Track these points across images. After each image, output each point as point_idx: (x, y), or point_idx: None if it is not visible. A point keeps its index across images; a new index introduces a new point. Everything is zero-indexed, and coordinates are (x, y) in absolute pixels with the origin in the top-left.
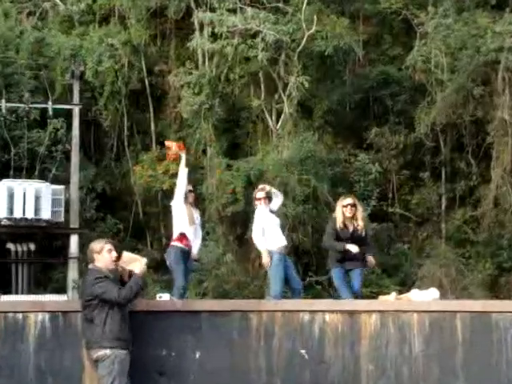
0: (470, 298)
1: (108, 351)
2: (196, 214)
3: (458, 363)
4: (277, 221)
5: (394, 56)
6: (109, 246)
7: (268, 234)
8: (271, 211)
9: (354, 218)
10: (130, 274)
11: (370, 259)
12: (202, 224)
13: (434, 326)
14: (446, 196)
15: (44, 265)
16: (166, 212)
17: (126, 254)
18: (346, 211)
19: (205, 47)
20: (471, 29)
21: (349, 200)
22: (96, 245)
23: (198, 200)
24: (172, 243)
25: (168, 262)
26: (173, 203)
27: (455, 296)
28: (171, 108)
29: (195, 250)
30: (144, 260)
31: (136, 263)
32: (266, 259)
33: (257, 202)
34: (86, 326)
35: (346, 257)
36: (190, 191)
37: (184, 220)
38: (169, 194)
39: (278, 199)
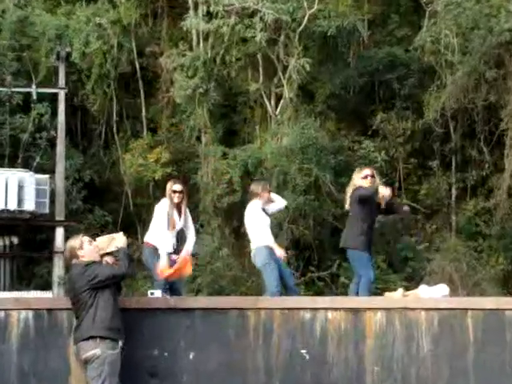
0: (481, 294)
1: (98, 351)
2: (181, 217)
3: (469, 363)
4: (268, 221)
5: (401, 37)
6: (87, 238)
7: (266, 229)
8: (264, 211)
9: None
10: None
11: (406, 208)
12: (193, 218)
13: (443, 325)
14: (457, 186)
15: (27, 259)
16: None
17: (101, 239)
18: (366, 182)
19: (199, 27)
20: (484, 7)
21: (367, 171)
22: (74, 241)
23: (185, 201)
24: (144, 243)
25: (144, 259)
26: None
27: (466, 292)
28: (163, 92)
29: (189, 246)
30: (120, 233)
31: (115, 240)
32: (279, 252)
33: (258, 197)
34: (75, 322)
35: (370, 243)
36: (174, 192)
37: (162, 226)
38: (160, 183)
39: (277, 204)
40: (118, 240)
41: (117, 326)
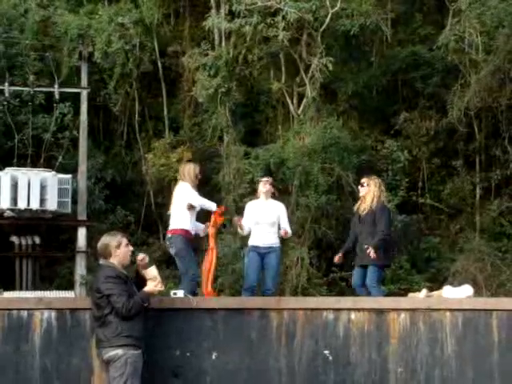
0: (506, 295)
1: (120, 351)
2: None
3: (494, 365)
4: (256, 218)
5: (424, 35)
6: (126, 241)
7: (253, 228)
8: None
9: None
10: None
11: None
12: None
13: (467, 326)
14: (481, 186)
15: (49, 259)
16: None
17: (154, 270)
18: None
19: (221, 26)
20: (508, 6)
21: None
22: (113, 239)
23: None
24: None
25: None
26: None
27: (491, 293)
28: (185, 92)
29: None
30: (161, 287)
31: (153, 282)
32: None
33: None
34: (96, 324)
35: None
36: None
37: None
38: None
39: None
40: (151, 285)
41: (138, 335)
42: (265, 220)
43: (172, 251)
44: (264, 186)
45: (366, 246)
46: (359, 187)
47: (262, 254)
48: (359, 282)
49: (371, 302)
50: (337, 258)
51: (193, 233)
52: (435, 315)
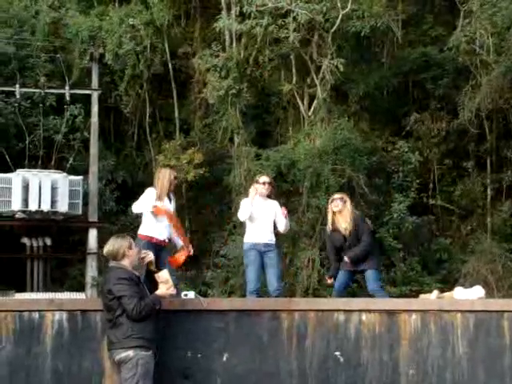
0: None
1: (131, 352)
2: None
3: (506, 367)
4: (256, 213)
5: (435, 36)
6: (133, 241)
7: (251, 225)
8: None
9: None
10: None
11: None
12: (226, 219)
13: (479, 327)
14: (492, 187)
15: (60, 261)
16: (191, 205)
17: (166, 273)
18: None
19: (232, 28)
20: None
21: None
22: (124, 240)
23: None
24: None
25: None
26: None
27: (502, 295)
28: (196, 93)
29: None
30: (172, 290)
31: (165, 285)
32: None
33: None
34: (107, 326)
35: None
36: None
37: None
38: (194, 184)
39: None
40: (163, 288)
41: (149, 337)
42: (263, 217)
43: None
44: (264, 187)
45: (346, 258)
46: (338, 201)
47: (262, 252)
48: (341, 284)
49: (382, 303)
50: (330, 281)
51: (160, 238)
52: (446, 317)
